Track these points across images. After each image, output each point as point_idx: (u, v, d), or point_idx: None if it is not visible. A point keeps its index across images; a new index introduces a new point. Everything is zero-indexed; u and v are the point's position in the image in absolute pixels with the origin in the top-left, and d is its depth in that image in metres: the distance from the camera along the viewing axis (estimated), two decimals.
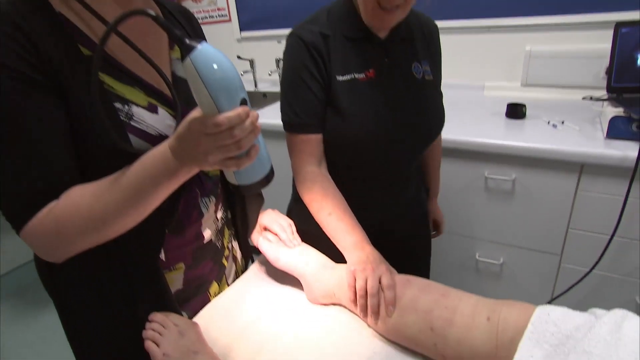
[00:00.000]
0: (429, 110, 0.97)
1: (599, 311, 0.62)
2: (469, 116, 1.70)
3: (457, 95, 1.96)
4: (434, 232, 1.33)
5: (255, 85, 2.55)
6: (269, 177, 0.63)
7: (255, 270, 1.02)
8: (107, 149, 0.61)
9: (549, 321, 0.61)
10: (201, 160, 0.54)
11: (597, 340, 0.55)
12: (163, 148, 0.57)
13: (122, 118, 0.62)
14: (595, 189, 1.37)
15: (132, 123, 0.64)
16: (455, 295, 0.72)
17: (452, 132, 1.54)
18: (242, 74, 2.48)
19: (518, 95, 1.92)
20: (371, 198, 1.02)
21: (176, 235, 0.76)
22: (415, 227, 1.02)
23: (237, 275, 1.00)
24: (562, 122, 1.53)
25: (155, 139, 0.65)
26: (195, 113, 0.53)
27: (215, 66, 0.51)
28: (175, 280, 0.79)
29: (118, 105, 0.62)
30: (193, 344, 0.69)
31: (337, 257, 0.88)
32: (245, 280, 0.98)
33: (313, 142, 0.92)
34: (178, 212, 0.73)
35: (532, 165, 1.43)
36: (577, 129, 1.47)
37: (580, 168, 1.36)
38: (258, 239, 0.97)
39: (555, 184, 1.42)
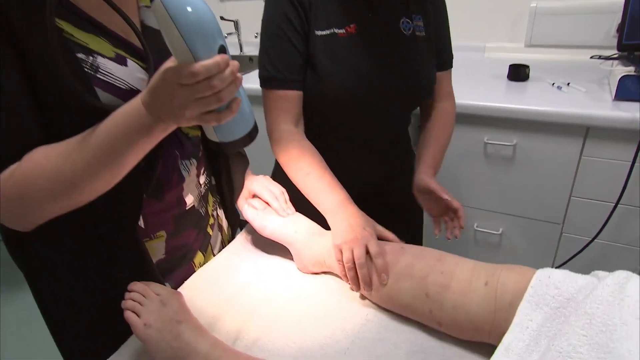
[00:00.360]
0: (416, 70, 0.96)
1: (601, 273, 0.63)
2: (468, 79, 1.68)
3: (456, 57, 1.88)
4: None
5: (241, 49, 2.50)
6: (252, 134, 0.62)
7: (242, 239, 1.02)
8: (72, 105, 0.58)
9: (549, 284, 0.61)
10: (178, 115, 0.52)
11: (599, 302, 0.55)
12: (135, 103, 0.55)
13: (86, 70, 0.60)
14: (601, 154, 1.38)
15: (99, 76, 0.61)
16: (452, 261, 0.73)
17: None
18: (226, 37, 2.42)
19: (521, 56, 1.90)
20: (356, 161, 1.02)
21: (155, 200, 0.75)
22: (406, 195, 1.02)
23: (223, 245, 1.00)
24: (568, 84, 1.52)
25: (126, 94, 0.63)
26: (169, 63, 0.51)
27: (189, 8, 0.49)
28: (157, 249, 0.79)
29: (81, 55, 0.60)
30: (176, 314, 0.69)
31: (326, 222, 0.88)
32: (232, 250, 0.98)
33: (291, 99, 0.91)
34: (157, 175, 0.72)
35: (534, 130, 1.43)
36: (583, 91, 1.46)
37: (586, 132, 1.36)
38: (243, 205, 0.97)
39: (558, 150, 1.42)
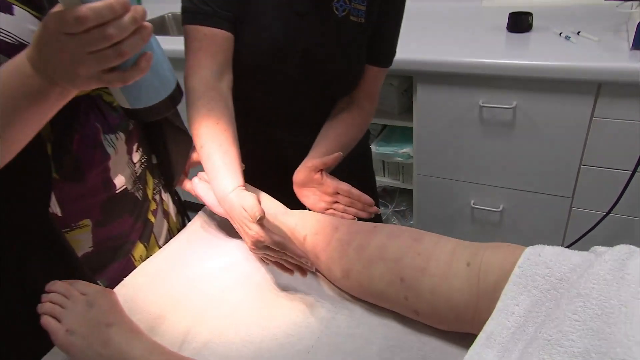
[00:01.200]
0: (338, 54, 0.96)
1: (601, 249, 0.62)
2: (461, 33, 1.67)
3: (449, 8, 1.92)
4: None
5: None
6: (174, 98, 0.60)
7: (194, 226, 1.01)
8: None
9: (539, 263, 0.61)
10: (71, 73, 0.49)
11: (594, 282, 0.54)
12: (20, 60, 0.51)
13: None
14: (615, 114, 1.37)
15: None
16: (430, 240, 0.72)
17: (439, 52, 1.51)
18: None
19: (523, 3, 1.87)
20: (283, 133, 1.06)
21: (74, 182, 0.73)
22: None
23: (171, 235, 0.99)
24: (578, 33, 1.51)
25: (13, 49, 0.59)
26: (54, 8, 0.48)
27: None
28: (82, 241, 0.77)
29: None
30: (105, 315, 0.67)
31: (291, 200, 0.87)
32: (182, 239, 0.97)
33: (219, 41, 0.87)
34: (72, 152, 0.70)
35: (537, 89, 1.42)
36: (595, 41, 1.45)
37: (597, 89, 1.36)
38: (193, 179, 0.95)
39: (566, 111, 1.41)
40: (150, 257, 0.91)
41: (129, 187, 0.82)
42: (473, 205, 1.69)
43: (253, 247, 0.76)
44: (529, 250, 0.63)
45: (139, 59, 0.51)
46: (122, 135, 0.79)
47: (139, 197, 0.85)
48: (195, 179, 0.94)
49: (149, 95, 0.58)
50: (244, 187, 0.79)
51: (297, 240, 0.83)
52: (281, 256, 0.75)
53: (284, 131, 1.07)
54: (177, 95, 0.60)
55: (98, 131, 0.74)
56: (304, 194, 0.94)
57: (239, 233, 0.79)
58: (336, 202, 0.91)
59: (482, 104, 1.50)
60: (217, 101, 0.85)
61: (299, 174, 0.93)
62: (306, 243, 0.83)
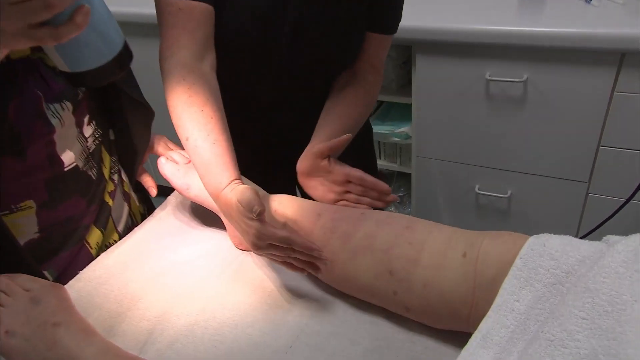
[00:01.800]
0: (334, 23, 0.94)
1: (615, 238, 0.62)
2: None
3: None
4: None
5: None
6: (121, 60, 0.59)
7: (162, 212, 1.01)
8: None
9: (544, 253, 0.61)
10: None
11: (605, 274, 0.54)
12: None
13: None
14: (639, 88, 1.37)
15: None
16: (424, 228, 0.72)
17: (441, 18, 1.50)
18: None
19: None
20: (269, 122, 1.06)
21: (12, 157, 0.72)
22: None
23: (133, 220, 0.99)
24: None
25: None
26: None
27: None
28: (25, 225, 0.76)
29: None
30: (53, 314, 0.66)
31: (269, 183, 0.87)
32: (147, 227, 0.97)
33: (197, 14, 0.84)
34: (9, 121, 0.68)
35: (551, 60, 1.41)
36: (619, 3, 1.44)
37: (620, 59, 1.35)
38: (159, 161, 0.95)
39: (584, 85, 1.41)
40: (111, 248, 0.90)
41: (80, 165, 0.82)
42: (478, 191, 1.70)
43: (256, 248, 0.73)
44: (533, 240, 0.63)
45: (74, 13, 0.50)
46: (68, 105, 0.77)
47: (92, 176, 0.85)
48: (162, 159, 0.94)
49: (91, 57, 0.57)
50: (239, 181, 0.76)
51: (278, 227, 0.82)
52: (289, 254, 0.73)
53: (279, 116, 1.05)
54: (124, 57, 0.60)
55: (39, 99, 0.73)
56: (310, 185, 0.92)
57: (240, 234, 0.76)
58: (347, 191, 0.88)
59: (489, 78, 1.49)
60: (200, 85, 0.81)
61: (303, 163, 0.90)
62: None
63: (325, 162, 0.88)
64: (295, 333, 0.73)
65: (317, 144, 0.90)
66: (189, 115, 0.79)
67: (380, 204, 0.86)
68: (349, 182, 0.88)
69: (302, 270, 0.75)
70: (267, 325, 0.75)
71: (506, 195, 1.67)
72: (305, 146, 0.93)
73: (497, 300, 0.59)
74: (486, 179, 1.68)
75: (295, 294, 0.80)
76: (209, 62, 0.86)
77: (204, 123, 0.78)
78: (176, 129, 0.81)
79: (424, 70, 1.57)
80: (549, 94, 1.46)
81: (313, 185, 0.91)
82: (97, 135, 0.86)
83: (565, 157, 1.54)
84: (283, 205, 0.84)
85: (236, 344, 0.73)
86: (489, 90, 1.52)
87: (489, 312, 0.59)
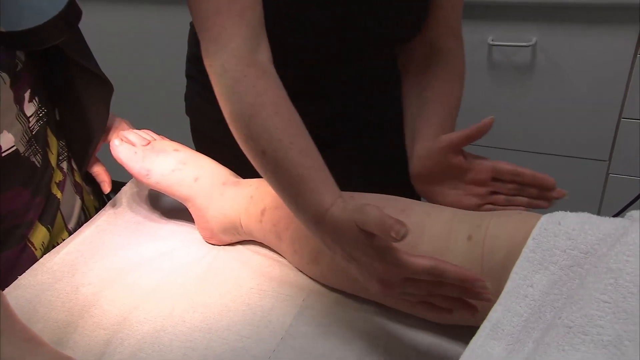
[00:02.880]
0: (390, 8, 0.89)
1: (638, 214, 0.64)
2: None
3: None
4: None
5: None
6: (67, 17, 0.59)
7: (117, 205, 1.01)
8: None
9: (559, 233, 0.62)
10: None
11: (629, 252, 0.55)
12: None
13: None
14: None
15: None
16: (422, 210, 0.74)
17: None
18: None
19: None
20: (322, 113, 1.01)
21: None
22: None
23: (86, 216, 0.99)
24: None
25: None
26: None
27: None
28: None
29: None
30: None
31: (243, 168, 0.85)
32: (100, 223, 0.97)
33: None
34: None
35: (563, 20, 1.43)
36: None
37: None
38: (113, 140, 0.94)
39: (601, 48, 1.43)
40: (56, 248, 0.90)
41: (21, 149, 0.81)
42: None
43: (384, 286, 0.63)
44: (546, 218, 0.65)
45: None
46: (4, 77, 0.76)
47: (37, 163, 0.84)
48: (116, 141, 0.93)
49: (29, 13, 0.57)
50: (344, 197, 0.67)
51: (254, 216, 0.84)
52: (433, 290, 0.63)
53: (333, 105, 1.02)
54: (70, 13, 0.60)
55: None
56: (436, 191, 0.86)
57: (357, 273, 0.66)
58: (494, 192, 0.83)
59: (491, 42, 1.51)
60: (265, 80, 0.75)
61: (425, 163, 0.84)
62: (264, 220, 0.83)
63: (459, 159, 0.82)
64: (279, 335, 0.74)
65: (442, 137, 0.83)
66: (262, 122, 0.72)
67: (544, 203, 0.82)
68: (495, 179, 0.83)
69: (449, 311, 0.65)
70: (246, 327, 0.76)
71: None
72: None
73: (508, 286, 0.61)
74: (491, 159, 1.69)
75: (277, 291, 0.81)
76: (266, 52, 0.79)
77: (283, 129, 0.71)
78: (243, 143, 0.74)
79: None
80: (561, 59, 1.48)
81: (440, 191, 0.86)
82: (40, 115, 0.86)
83: (581, 133, 1.56)
84: (261, 189, 0.86)
85: (210, 351, 0.73)
86: (492, 57, 1.53)
87: (499, 299, 0.60)
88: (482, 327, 0.59)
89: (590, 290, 0.55)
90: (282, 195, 0.72)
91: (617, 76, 1.46)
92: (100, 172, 0.99)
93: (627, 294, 0.52)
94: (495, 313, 0.60)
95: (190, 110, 1.14)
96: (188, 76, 1.13)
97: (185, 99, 1.15)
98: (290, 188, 0.69)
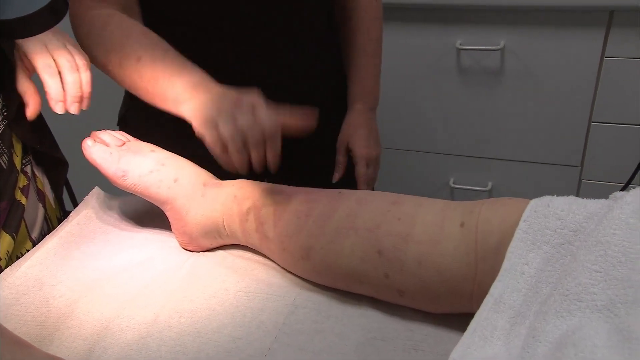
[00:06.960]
0: None
1: (620, 193, 0.72)
2: None
3: None
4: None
5: None
6: (55, 9, 0.62)
7: (84, 212, 1.02)
8: None
9: (549, 214, 0.69)
10: None
11: (615, 226, 0.63)
12: None
13: None
14: (632, 50, 1.45)
15: None
16: (413, 202, 0.79)
17: None
18: None
19: None
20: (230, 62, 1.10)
21: None
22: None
23: (49, 225, 0.99)
24: None
25: None
26: None
27: None
28: None
29: None
30: None
31: (220, 172, 0.91)
32: (68, 232, 0.98)
33: None
34: None
35: (531, 23, 1.50)
36: None
37: (609, 19, 1.44)
38: (86, 140, 0.95)
39: (569, 51, 1.50)
40: (17, 262, 0.90)
41: None
42: (453, 185, 1.75)
43: (235, 136, 0.75)
44: (535, 202, 0.72)
45: None
46: None
47: (3, 164, 0.85)
48: (88, 141, 0.94)
49: (17, 2, 0.59)
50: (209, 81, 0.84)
51: (238, 216, 0.87)
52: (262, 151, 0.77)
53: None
54: (59, 5, 0.62)
55: None
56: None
57: (209, 119, 0.78)
58: None
59: (460, 46, 1.56)
60: (127, 22, 0.88)
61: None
62: (250, 219, 0.87)
63: None
64: (273, 334, 0.77)
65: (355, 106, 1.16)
66: (133, 41, 0.86)
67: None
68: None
69: (245, 167, 0.78)
70: (237, 329, 0.79)
71: (486, 188, 1.73)
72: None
73: (505, 265, 0.67)
74: (462, 170, 1.74)
75: (265, 292, 0.85)
76: (136, 16, 0.94)
77: (156, 42, 0.87)
78: (118, 65, 0.87)
79: (385, 39, 1.53)
80: (530, 63, 1.54)
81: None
82: (4, 112, 0.85)
83: (552, 139, 1.62)
84: (244, 188, 0.89)
85: (203, 354, 0.75)
86: (461, 62, 1.58)
87: (499, 277, 0.67)
88: (485, 301, 0.66)
89: (582, 262, 0.62)
90: (154, 86, 0.85)
91: (586, 78, 1.52)
92: (29, 91, 0.87)
93: (616, 262, 0.60)
94: (496, 289, 0.66)
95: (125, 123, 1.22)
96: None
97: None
98: (165, 72, 0.84)
